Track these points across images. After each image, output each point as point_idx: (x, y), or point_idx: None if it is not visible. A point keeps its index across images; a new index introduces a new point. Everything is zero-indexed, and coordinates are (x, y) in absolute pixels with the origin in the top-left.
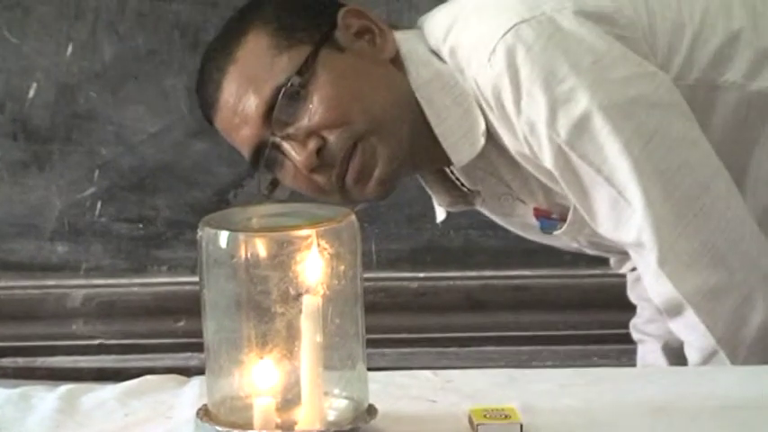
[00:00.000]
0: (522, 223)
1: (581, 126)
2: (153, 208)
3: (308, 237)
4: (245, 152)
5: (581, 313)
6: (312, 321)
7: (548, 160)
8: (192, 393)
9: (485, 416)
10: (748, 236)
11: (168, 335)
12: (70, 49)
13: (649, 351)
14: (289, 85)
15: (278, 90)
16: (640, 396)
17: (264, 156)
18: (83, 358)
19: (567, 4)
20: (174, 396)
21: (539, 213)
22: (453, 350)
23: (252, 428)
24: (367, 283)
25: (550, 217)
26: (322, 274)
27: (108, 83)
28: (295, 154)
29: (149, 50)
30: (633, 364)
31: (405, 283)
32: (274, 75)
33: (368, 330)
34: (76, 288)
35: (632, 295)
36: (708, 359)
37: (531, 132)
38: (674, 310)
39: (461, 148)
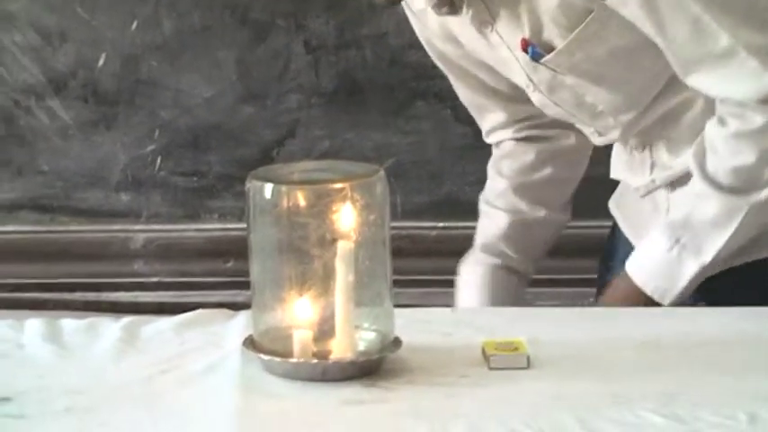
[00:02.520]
0: (495, 58)
1: None
2: (206, 163)
3: (342, 189)
4: None
5: (580, 260)
6: (345, 263)
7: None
8: (239, 325)
9: (496, 348)
10: None
11: (219, 274)
12: (135, 24)
13: (494, 224)
14: None
15: None
16: (628, 332)
17: None
18: (143, 294)
19: None
20: (224, 328)
21: (526, 44)
22: None
23: (291, 357)
24: (393, 231)
25: (536, 48)
26: (354, 223)
27: (167, 54)
28: None
29: (204, 26)
30: None
31: (426, 232)
32: None
33: (393, 272)
34: (138, 232)
35: (492, 169)
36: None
37: None
38: (732, 187)
39: None
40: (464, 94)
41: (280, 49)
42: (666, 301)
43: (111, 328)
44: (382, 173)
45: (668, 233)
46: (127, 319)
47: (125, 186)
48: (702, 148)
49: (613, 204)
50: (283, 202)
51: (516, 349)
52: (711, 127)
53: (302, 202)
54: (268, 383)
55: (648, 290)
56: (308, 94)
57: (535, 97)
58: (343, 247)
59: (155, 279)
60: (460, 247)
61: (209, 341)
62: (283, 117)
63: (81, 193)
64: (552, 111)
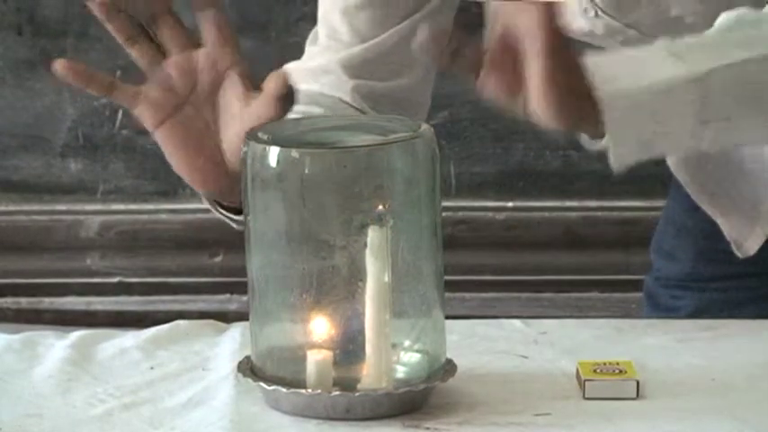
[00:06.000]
0: None
1: None
2: None
3: (375, 154)
4: None
5: (601, 252)
6: (379, 258)
7: None
8: (231, 343)
9: (595, 371)
10: None
11: (203, 272)
12: None
13: None
14: None
15: None
16: (745, 348)
17: None
18: (98, 299)
19: None
20: (210, 346)
21: None
22: (548, 296)
23: (304, 387)
24: (445, 214)
25: None
26: (391, 201)
27: None
28: None
29: None
30: None
31: (490, 214)
32: None
33: (446, 270)
34: (92, 214)
35: None
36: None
37: None
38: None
39: None
40: None
41: None
42: (604, 89)
43: (55, 346)
44: (430, 132)
45: (660, 45)
46: (77, 335)
47: (74, 151)
48: None
49: (677, 164)
50: (294, 171)
51: (623, 372)
52: None
53: (320, 173)
54: (272, 423)
55: (595, 74)
56: None
57: (598, 24)
58: (376, 235)
59: (114, 279)
60: (537, 235)
61: (191, 364)
62: (292, 53)
63: (13, 159)
64: (613, 40)
